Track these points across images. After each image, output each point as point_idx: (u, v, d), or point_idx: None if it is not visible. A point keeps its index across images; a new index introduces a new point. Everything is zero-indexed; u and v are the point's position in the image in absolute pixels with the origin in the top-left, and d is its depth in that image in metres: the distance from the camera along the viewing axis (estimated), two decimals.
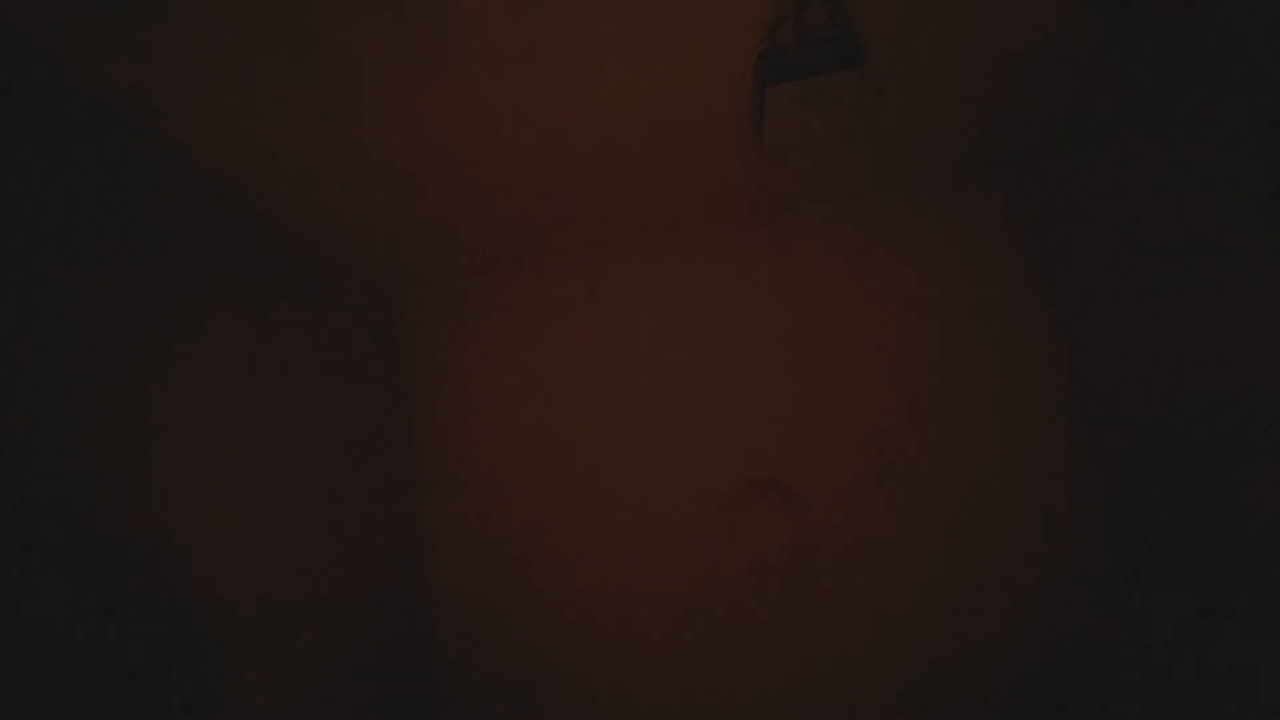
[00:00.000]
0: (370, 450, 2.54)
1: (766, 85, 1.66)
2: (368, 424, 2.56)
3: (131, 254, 1.57)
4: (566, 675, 2.69)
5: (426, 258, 2.74)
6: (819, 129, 1.82)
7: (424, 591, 2.77)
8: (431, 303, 3.01)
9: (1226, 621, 1.93)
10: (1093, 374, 2.42)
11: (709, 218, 2.81)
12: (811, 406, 2.70)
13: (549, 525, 2.79)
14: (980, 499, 2.55)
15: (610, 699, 2.65)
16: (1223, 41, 1.60)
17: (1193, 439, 1.96)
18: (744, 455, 2.72)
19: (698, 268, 2.86)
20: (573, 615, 2.72)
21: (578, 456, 2.81)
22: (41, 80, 1.41)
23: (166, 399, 1.59)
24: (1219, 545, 1.91)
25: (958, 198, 2.72)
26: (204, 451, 1.69)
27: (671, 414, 2.79)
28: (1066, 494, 2.51)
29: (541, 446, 2.84)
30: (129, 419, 1.47)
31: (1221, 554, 1.91)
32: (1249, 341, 1.69)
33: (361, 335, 2.66)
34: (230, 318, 1.88)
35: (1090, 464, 2.52)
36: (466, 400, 2.92)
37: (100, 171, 1.52)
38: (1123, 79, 1.98)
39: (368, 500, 2.45)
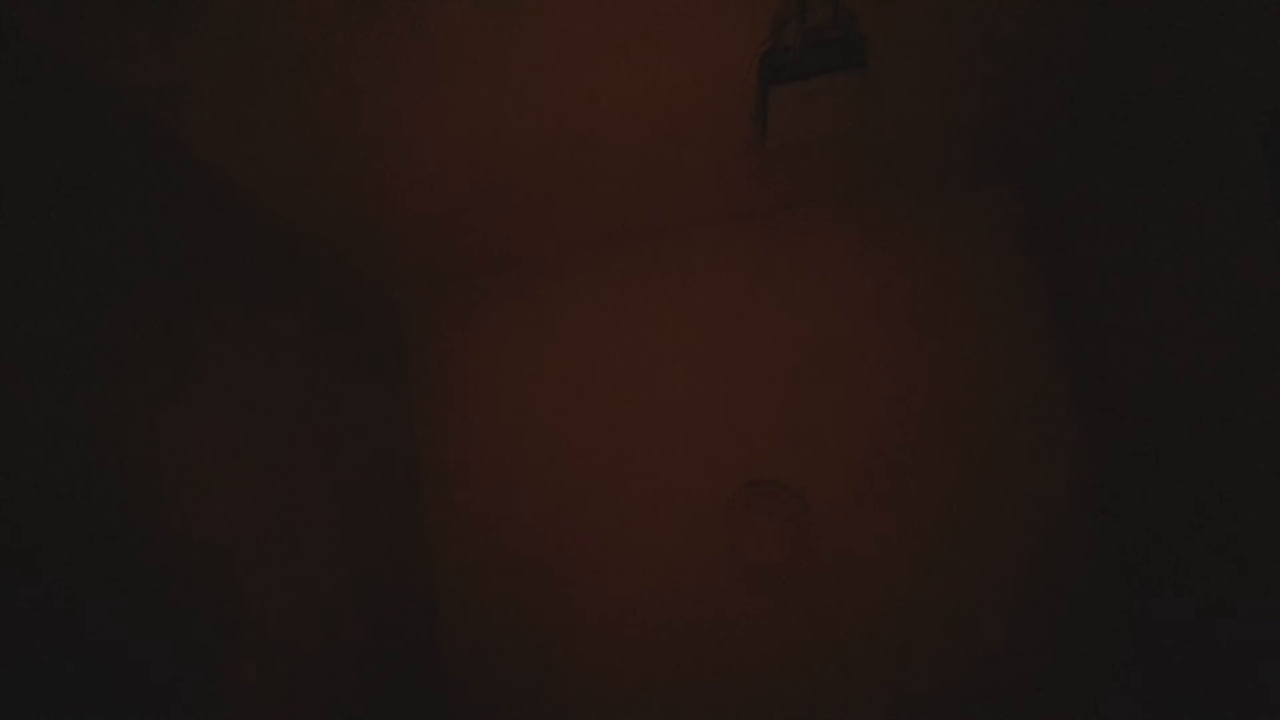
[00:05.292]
0: (373, 451, 2.54)
1: (769, 85, 1.66)
2: (370, 424, 2.56)
3: (134, 256, 1.56)
4: (567, 675, 2.69)
5: (429, 259, 2.74)
6: (821, 129, 1.83)
7: (426, 591, 2.77)
8: (434, 304, 3.01)
9: (1227, 622, 1.93)
10: (1093, 374, 2.43)
11: (711, 218, 2.81)
12: (812, 407, 2.70)
13: (550, 526, 2.79)
14: (980, 499, 2.55)
15: (610, 699, 2.65)
16: (1224, 42, 1.60)
17: (1193, 439, 1.96)
18: (745, 456, 2.72)
19: (700, 268, 2.86)
20: (573, 615, 2.72)
21: (579, 457, 2.81)
22: (45, 82, 1.41)
23: (169, 400, 1.59)
24: (1219, 545, 1.92)
25: (959, 197, 2.73)
26: (206, 453, 1.68)
27: (673, 415, 2.79)
28: (1066, 494, 2.51)
29: (543, 447, 2.84)
30: (131, 420, 1.47)
31: (1221, 554, 1.91)
32: (1249, 342, 1.70)
33: (364, 336, 2.66)
34: (233, 319, 1.88)
35: (1090, 463, 2.52)
36: (469, 401, 2.92)
37: (103, 173, 1.52)
38: (1124, 79, 1.99)
39: (370, 501, 2.45)
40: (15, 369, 1.22)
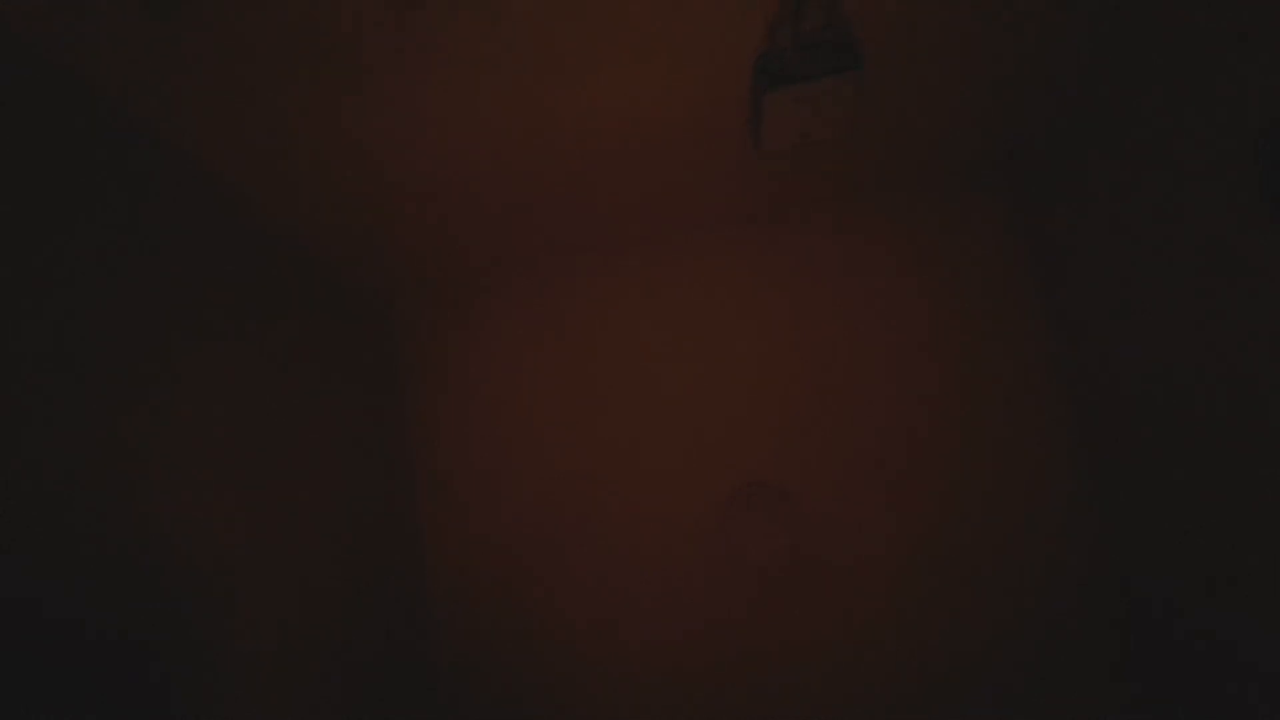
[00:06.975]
0: (369, 454, 2.54)
1: (764, 90, 1.65)
2: (366, 428, 2.56)
3: (129, 259, 1.56)
4: (564, 678, 2.68)
5: (424, 263, 2.73)
6: (817, 133, 1.81)
7: (422, 595, 2.77)
8: (430, 307, 3.01)
9: (1225, 622, 1.92)
10: (1092, 375, 2.42)
11: (707, 222, 2.80)
12: (811, 410, 2.69)
13: (547, 529, 2.78)
14: (980, 500, 2.54)
15: (608, 702, 2.65)
16: (1223, 45, 1.59)
17: (1191, 441, 1.95)
18: (744, 459, 2.71)
19: (697, 272, 2.85)
20: (571, 619, 2.71)
21: (576, 460, 2.81)
22: (39, 83, 1.40)
23: (164, 403, 1.59)
24: (1217, 546, 1.91)
25: (956, 200, 2.72)
26: (202, 456, 1.68)
27: (670, 418, 2.78)
28: (1066, 495, 2.50)
29: (540, 450, 2.84)
30: (126, 423, 1.47)
31: (1220, 555, 1.90)
32: (1246, 344, 1.69)
33: (359, 339, 2.65)
34: (227, 322, 1.88)
35: (1089, 464, 2.51)
36: (465, 404, 2.92)
37: (97, 176, 1.51)
38: (1123, 81, 1.97)
39: (367, 504, 2.45)
40: (6, 375, 1.22)
